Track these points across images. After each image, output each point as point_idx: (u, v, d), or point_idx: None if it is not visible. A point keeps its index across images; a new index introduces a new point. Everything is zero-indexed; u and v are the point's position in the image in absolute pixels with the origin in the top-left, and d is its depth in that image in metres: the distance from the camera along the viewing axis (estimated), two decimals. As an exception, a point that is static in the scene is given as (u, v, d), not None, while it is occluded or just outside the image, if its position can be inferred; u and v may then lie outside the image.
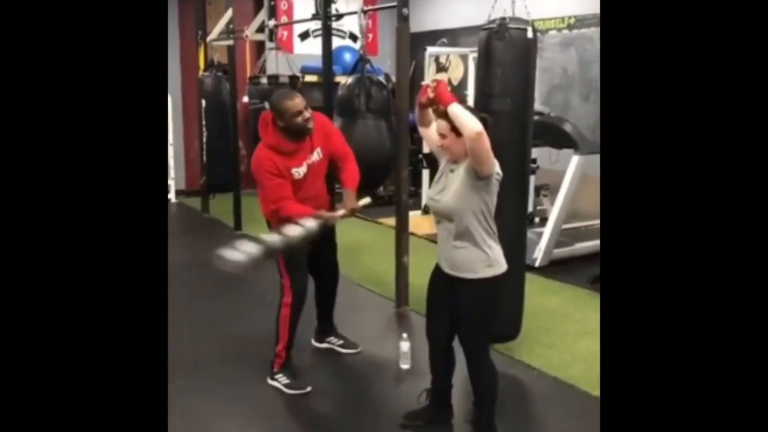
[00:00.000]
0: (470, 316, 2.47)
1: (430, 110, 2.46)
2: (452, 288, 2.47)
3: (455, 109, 2.26)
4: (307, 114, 2.91)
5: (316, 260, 3.21)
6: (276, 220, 2.96)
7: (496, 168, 2.34)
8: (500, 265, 2.44)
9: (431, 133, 2.50)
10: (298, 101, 2.89)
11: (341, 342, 3.53)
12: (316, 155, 3.02)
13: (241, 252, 2.60)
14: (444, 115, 2.33)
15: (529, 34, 3.11)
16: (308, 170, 2.99)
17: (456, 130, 2.30)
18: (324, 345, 3.54)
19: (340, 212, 3.00)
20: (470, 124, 2.21)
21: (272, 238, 2.75)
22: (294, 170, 2.94)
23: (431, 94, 2.33)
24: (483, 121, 2.27)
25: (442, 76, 7.76)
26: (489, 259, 2.40)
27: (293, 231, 2.76)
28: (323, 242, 3.24)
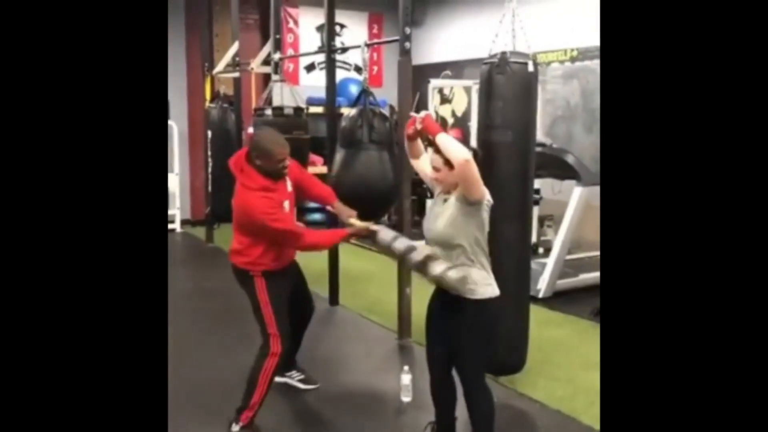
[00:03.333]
0: (463, 340, 2.47)
1: (419, 142, 2.53)
2: (446, 313, 2.49)
3: (443, 139, 2.34)
4: (287, 162, 2.91)
5: (293, 296, 3.09)
6: (274, 259, 2.93)
7: (487, 195, 2.39)
8: (491, 288, 2.45)
9: (422, 165, 2.58)
10: (287, 151, 2.89)
11: (302, 377, 3.38)
12: (289, 186, 3.03)
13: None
14: (436, 148, 2.39)
15: (530, 68, 3.15)
16: (290, 202, 3.00)
17: (449, 164, 2.36)
18: (283, 379, 3.33)
19: (364, 223, 2.94)
20: (458, 152, 2.30)
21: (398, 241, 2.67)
22: (285, 203, 2.95)
23: (419, 126, 2.42)
24: (473, 153, 2.35)
25: (445, 108, 7.83)
26: (480, 282, 2.42)
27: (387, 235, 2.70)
28: (297, 275, 3.20)
